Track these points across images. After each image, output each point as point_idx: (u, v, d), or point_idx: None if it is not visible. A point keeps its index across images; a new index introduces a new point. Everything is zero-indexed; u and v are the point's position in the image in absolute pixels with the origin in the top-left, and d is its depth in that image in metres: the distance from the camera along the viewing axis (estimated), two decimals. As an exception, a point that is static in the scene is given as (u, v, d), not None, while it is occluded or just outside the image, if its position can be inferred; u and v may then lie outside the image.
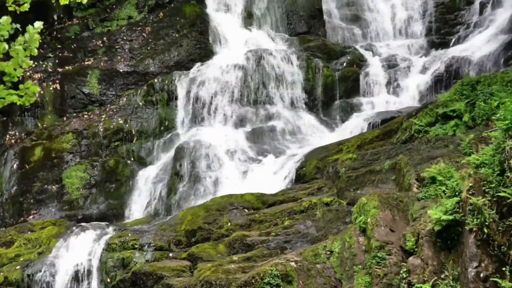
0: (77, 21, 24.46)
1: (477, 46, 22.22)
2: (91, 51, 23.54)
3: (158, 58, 23.12)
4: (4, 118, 21.99)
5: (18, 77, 9.93)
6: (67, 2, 10.74)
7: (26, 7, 9.77)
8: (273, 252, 14.21)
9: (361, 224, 13.03)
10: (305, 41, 23.74)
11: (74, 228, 17.23)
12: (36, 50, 9.71)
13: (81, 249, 16.20)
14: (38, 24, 9.59)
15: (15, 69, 9.76)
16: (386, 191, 13.80)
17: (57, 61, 23.22)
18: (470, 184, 11.23)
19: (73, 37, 24.03)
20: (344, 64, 22.94)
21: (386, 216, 12.80)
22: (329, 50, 23.49)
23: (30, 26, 9.54)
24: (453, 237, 11.63)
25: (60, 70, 22.94)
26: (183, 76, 22.28)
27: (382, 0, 26.19)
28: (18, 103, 10.02)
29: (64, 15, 24.47)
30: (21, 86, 9.94)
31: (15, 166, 20.86)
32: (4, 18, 9.44)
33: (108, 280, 15.58)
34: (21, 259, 16.30)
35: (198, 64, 22.73)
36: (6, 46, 9.58)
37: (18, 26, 9.60)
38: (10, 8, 9.87)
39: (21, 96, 9.92)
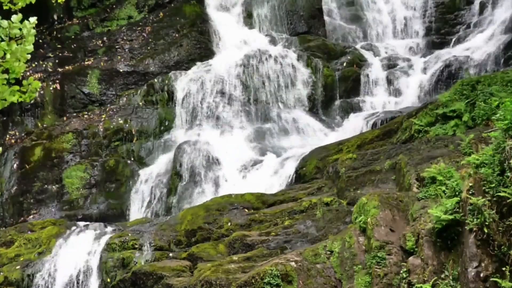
0: (77, 21, 24.46)
1: (477, 46, 22.22)
2: (91, 51, 23.54)
3: (158, 58, 23.12)
4: (4, 118, 21.99)
5: (21, 75, 9.99)
6: (63, 1, 10.78)
7: (19, 5, 9.83)
8: (273, 252, 14.21)
9: (361, 224, 13.04)
10: (305, 41, 23.74)
11: (74, 228, 17.23)
12: (32, 46, 9.77)
13: (81, 249, 16.19)
14: (33, 19, 9.66)
15: (17, 61, 9.80)
16: (386, 191, 13.80)
17: (57, 61, 23.22)
18: (470, 184, 11.24)
19: (73, 37, 24.03)
20: (344, 64, 22.94)
21: (386, 216, 12.81)
22: (329, 50, 23.49)
23: (26, 22, 9.61)
24: (453, 237, 11.64)
25: (60, 70, 22.94)
26: (183, 76, 22.28)
27: (382, 0, 26.19)
28: (19, 100, 10.06)
29: (64, 15, 24.47)
30: (24, 82, 10.01)
31: (15, 166, 20.87)
32: (15, 16, 9.50)
33: (108, 280, 15.57)
34: (21, 259, 16.30)
35: (198, 64, 22.73)
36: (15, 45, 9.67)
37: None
38: (5, 7, 9.91)
39: (24, 93, 9.99)
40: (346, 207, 14.99)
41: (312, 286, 12.62)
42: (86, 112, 22.22)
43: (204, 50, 23.32)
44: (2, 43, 9.52)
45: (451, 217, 11.46)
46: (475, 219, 11.01)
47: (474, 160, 11.56)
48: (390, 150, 16.08)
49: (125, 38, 23.72)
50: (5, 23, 9.46)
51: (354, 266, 12.71)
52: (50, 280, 15.75)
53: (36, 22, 9.70)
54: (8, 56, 9.56)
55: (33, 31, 9.61)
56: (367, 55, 23.62)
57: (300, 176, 18.21)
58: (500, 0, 23.99)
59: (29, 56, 9.78)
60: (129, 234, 16.27)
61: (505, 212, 10.87)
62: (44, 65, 22.96)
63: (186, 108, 21.82)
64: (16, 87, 9.98)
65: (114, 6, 24.64)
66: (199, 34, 23.49)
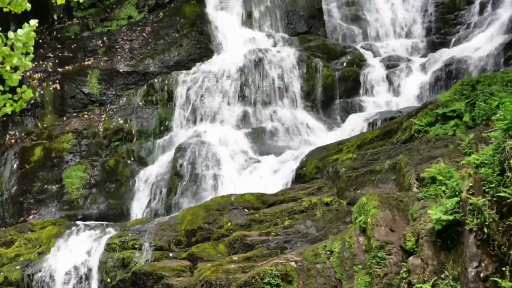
0: (77, 21, 24.46)
1: (477, 46, 22.21)
2: (91, 51, 23.55)
3: (158, 58, 23.12)
4: (4, 118, 21.98)
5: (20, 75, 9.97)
6: (63, 2, 10.76)
7: (22, 7, 9.78)
8: (273, 252, 14.22)
9: (361, 224, 13.04)
10: (305, 41, 23.74)
11: (74, 228, 17.23)
12: (32, 48, 9.72)
13: (81, 249, 16.19)
14: (34, 22, 9.61)
15: (13, 70, 9.75)
16: (386, 191, 13.80)
17: (57, 61, 23.22)
18: (470, 184, 11.24)
19: (73, 37, 24.04)
20: (344, 64, 22.94)
21: (386, 216, 12.81)
22: (329, 50, 23.49)
23: (26, 24, 9.57)
24: (453, 237, 11.64)
25: (60, 70, 22.95)
26: (183, 76, 22.29)
27: (382, 0, 26.20)
28: (11, 110, 10.04)
29: (64, 15, 24.48)
30: (18, 89, 9.96)
31: (15, 166, 20.87)
32: (21, 31, 9.47)
33: (108, 280, 15.58)
34: (21, 259, 16.30)
35: (198, 64, 22.74)
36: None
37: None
38: (5, 9, 9.87)
39: (16, 101, 9.97)
40: (346, 207, 14.99)
41: (312, 286, 12.62)
42: (86, 112, 22.22)
43: (204, 50, 23.33)
44: (4, 47, 9.49)
45: (451, 217, 11.46)
46: (475, 219, 11.02)
47: (474, 160, 11.56)
48: (390, 150, 16.08)
49: (125, 38, 23.72)
50: (11, 35, 9.46)
51: (354, 266, 12.71)
52: (50, 280, 15.76)
53: (37, 25, 9.67)
54: (8, 67, 9.54)
55: (33, 34, 9.58)
56: (367, 55, 23.63)
57: (300, 176, 18.21)
58: (500, 0, 23.99)
59: (30, 64, 9.75)
60: (129, 234, 16.28)
61: (505, 212, 10.87)
62: (44, 65, 22.96)
63: (186, 108, 21.82)
64: (9, 95, 9.94)
65: (114, 6, 24.65)
66: (199, 34, 23.50)
